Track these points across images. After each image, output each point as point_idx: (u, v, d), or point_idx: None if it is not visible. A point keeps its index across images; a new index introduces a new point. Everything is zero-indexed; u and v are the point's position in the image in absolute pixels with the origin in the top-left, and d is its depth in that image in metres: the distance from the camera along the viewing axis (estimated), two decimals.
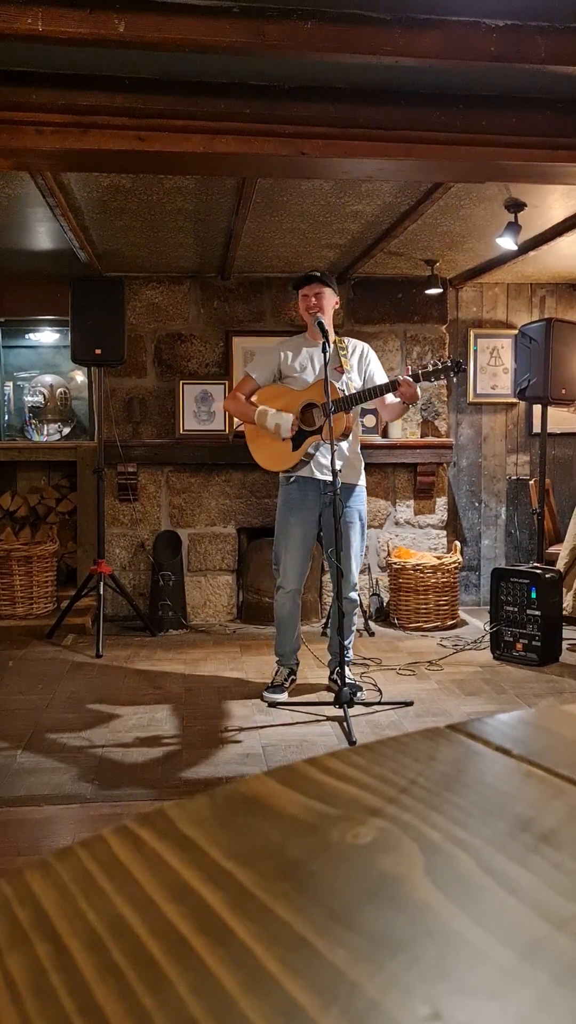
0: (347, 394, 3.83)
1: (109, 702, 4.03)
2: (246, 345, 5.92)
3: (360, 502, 4.03)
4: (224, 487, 5.93)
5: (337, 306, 4.04)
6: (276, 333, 5.74)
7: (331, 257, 5.46)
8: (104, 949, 0.35)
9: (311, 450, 3.87)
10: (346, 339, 4.07)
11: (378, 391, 3.84)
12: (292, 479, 3.96)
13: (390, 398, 3.92)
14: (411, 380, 3.76)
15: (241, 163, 3.28)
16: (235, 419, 5.26)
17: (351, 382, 3.93)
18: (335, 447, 3.62)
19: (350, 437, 3.94)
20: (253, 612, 5.82)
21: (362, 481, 4.05)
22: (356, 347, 4.08)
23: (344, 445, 3.88)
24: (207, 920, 0.36)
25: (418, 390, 3.81)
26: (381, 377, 4.02)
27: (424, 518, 6.11)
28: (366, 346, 4.12)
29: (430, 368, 3.82)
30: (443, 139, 3.18)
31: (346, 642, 3.97)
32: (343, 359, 3.91)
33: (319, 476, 3.90)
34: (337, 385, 3.83)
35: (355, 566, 4.05)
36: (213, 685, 4.34)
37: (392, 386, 3.80)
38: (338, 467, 3.61)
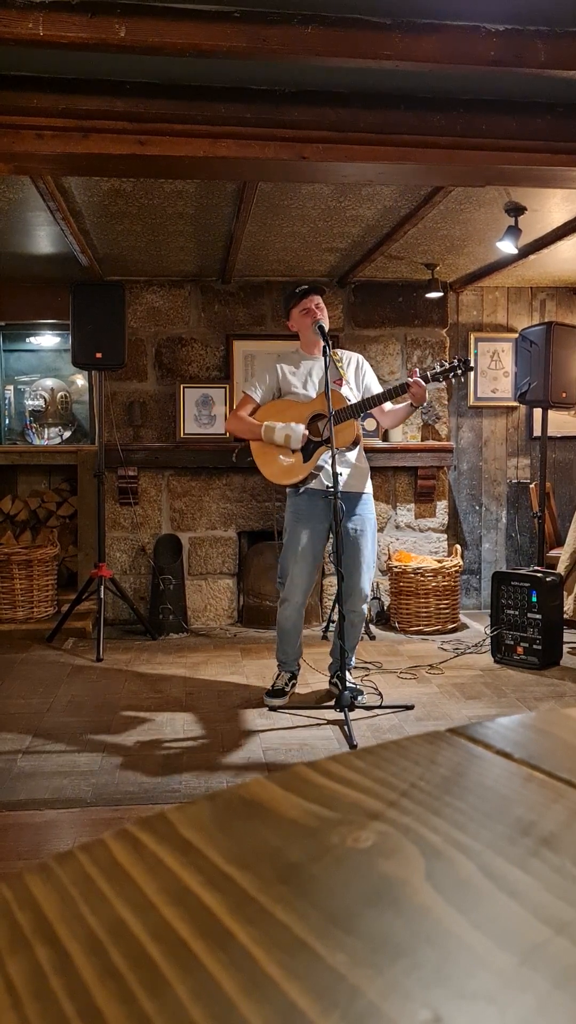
0: (353, 402, 3.82)
1: (109, 706, 4.03)
2: (247, 349, 5.93)
3: (370, 510, 3.98)
4: (225, 491, 5.93)
5: None
6: (276, 337, 5.75)
7: (331, 261, 5.46)
8: (104, 953, 0.35)
9: (321, 461, 3.81)
10: (339, 351, 4.05)
11: (388, 395, 3.81)
12: (302, 490, 3.91)
13: (390, 404, 3.90)
14: (421, 381, 3.74)
15: (241, 167, 3.29)
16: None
17: (350, 392, 3.92)
18: (343, 456, 3.62)
19: (359, 446, 3.93)
20: (254, 616, 5.82)
21: (369, 488, 4.00)
22: (351, 359, 4.06)
23: (351, 454, 3.87)
24: (207, 924, 0.36)
25: (426, 392, 3.80)
26: (376, 388, 4.01)
27: (425, 521, 6.11)
28: (360, 357, 4.11)
29: (438, 368, 3.82)
30: (443, 143, 3.19)
31: (348, 649, 3.95)
32: (341, 370, 3.90)
33: (329, 487, 3.87)
34: (342, 394, 3.82)
35: (368, 576, 3.96)
36: (213, 689, 4.34)
37: (402, 388, 3.78)
38: (347, 475, 3.62)
